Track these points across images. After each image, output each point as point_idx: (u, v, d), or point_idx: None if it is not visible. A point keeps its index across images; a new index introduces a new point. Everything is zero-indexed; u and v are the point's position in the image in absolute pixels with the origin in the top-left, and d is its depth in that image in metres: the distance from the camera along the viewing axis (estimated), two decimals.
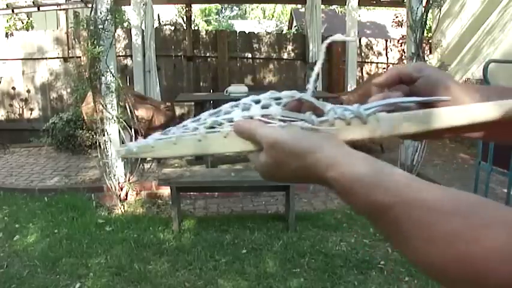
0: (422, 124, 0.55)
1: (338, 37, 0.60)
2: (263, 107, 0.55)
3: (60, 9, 7.87)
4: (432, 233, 0.38)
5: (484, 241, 0.36)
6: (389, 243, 0.44)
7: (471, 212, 0.38)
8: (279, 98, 0.55)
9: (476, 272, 0.36)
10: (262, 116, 0.54)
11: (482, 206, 0.39)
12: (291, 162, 0.48)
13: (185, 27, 8.50)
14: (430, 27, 6.36)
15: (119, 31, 6.97)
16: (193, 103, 6.49)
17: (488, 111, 0.54)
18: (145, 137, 0.62)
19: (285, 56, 7.77)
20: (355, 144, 0.52)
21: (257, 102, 0.56)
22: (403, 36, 6.88)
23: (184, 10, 8.72)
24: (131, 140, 4.30)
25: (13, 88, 7.14)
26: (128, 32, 7.00)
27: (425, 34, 4.64)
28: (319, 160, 0.46)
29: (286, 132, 0.50)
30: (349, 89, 6.73)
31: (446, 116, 0.55)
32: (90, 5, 4.77)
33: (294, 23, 15.34)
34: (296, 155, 0.48)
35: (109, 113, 4.24)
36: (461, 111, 0.55)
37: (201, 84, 7.77)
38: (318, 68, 0.56)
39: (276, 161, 0.50)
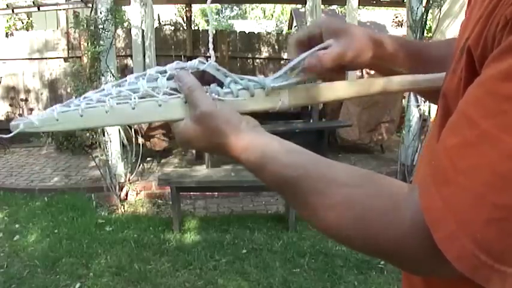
0: (313, 97, 0.60)
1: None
2: (169, 78, 0.56)
3: (60, 9, 7.86)
4: (332, 201, 0.44)
5: (373, 208, 0.42)
6: (297, 211, 0.50)
7: (361, 183, 0.45)
8: (183, 68, 0.57)
9: (369, 231, 0.42)
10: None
11: (369, 178, 0.45)
12: (214, 136, 0.53)
13: (185, 27, 8.50)
14: (430, 27, 6.35)
15: (119, 31, 6.97)
16: None
17: (372, 85, 0.59)
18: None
19: (285, 56, 7.76)
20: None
21: (163, 73, 0.57)
22: (403, 36, 6.88)
23: (184, 10, 8.72)
24: (130, 141, 4.30)
25: (13, 88, 7.14)
26: (128, 32, 6.99)
27: (425, 34, 4.64)
28: (235, 143, 0.52)
29: (220, 107, 0.53)
30: None
31: (331, 90, 0.58)
32: (90, 5, 4.77)
33: (294, 23, 15.29)
34: (219, 132, 0.52)
35: None
36: (347, 86, 0.59)
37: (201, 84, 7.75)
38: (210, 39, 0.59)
39: (203, 131, 0.53)
